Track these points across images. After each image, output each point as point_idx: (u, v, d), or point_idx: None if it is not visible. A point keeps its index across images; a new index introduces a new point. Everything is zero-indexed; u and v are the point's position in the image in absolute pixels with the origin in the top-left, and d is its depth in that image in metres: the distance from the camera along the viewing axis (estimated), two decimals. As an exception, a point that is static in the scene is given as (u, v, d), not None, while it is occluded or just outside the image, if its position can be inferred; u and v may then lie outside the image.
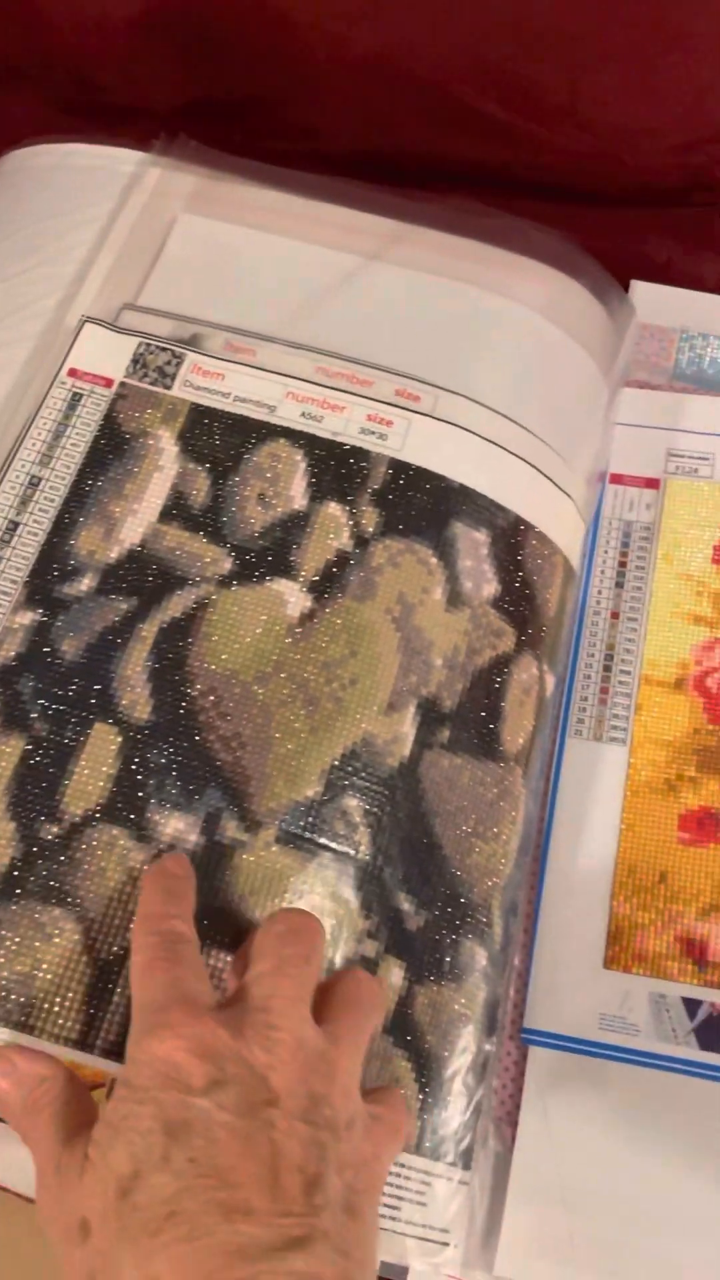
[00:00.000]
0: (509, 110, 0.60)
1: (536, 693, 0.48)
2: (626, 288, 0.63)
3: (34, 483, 0.48)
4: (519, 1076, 0.46)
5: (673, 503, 0.57)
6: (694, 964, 0.47)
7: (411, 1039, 0.41)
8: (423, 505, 0.48)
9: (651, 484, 0.58)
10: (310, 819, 0.42)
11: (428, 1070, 0.41)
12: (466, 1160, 0.42)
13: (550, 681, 0.50)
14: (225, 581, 0.46)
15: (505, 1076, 0.46)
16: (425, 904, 0.42)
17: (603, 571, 0.56)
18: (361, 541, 0.48)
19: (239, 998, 0.35)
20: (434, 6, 0.53)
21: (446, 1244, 0.41)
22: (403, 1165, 0.40)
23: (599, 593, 0.56)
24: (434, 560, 0.47)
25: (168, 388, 0.51)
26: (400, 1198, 0.40)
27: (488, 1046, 0.44)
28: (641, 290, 0.64)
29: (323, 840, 0.42)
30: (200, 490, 0.48)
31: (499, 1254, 0.43)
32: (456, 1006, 0.42)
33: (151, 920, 0.36)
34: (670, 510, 0.57)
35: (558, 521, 0.51)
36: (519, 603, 0.48)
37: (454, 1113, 0.42)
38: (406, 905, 0.42)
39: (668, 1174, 0.44)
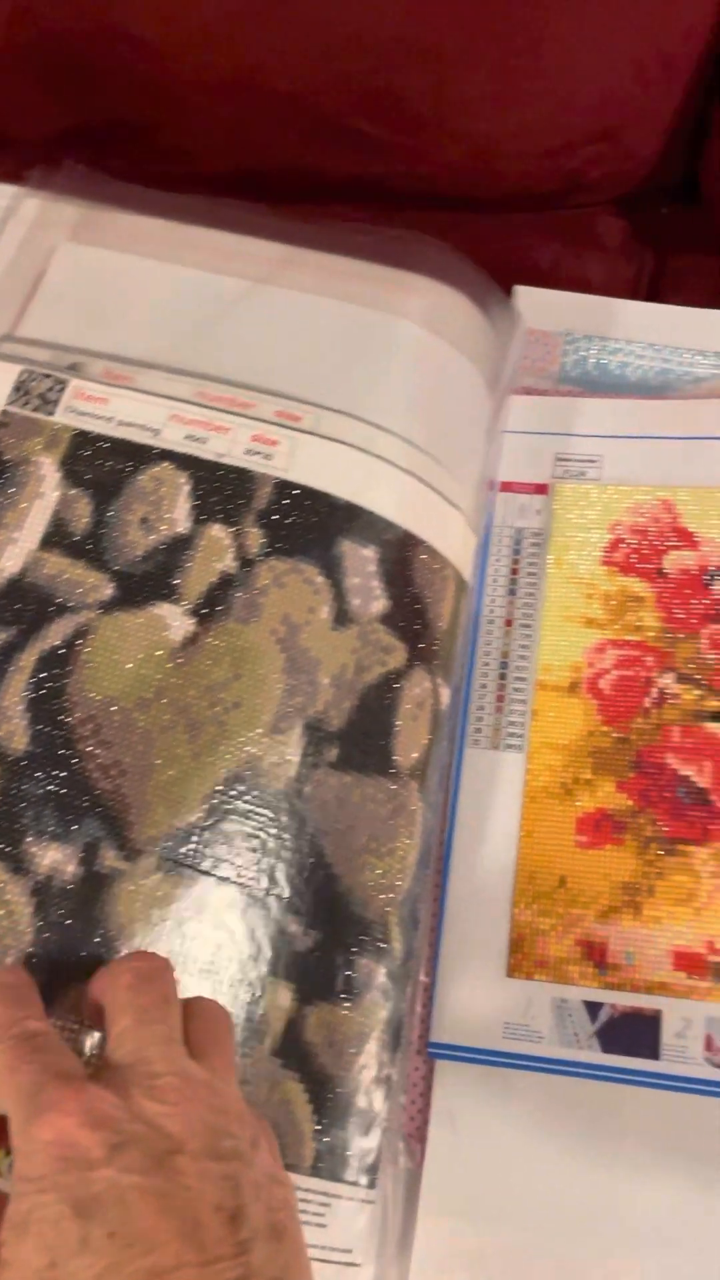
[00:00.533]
0: (376, 124, 0.60)
1: (431, 706, 0.48)
2: (509, 293, 0.64)
3: None
4: (427, 1091, 0.46)
5: (562, 507, 0.58)
6: (595, 967, 0.47)
7: (302, 1060, 0.40)
8: (308, 524, 0.48)
9: (540, 489, 0.59)
10: (192, 845, 0.41)
11: (322, 1090, 0.41)
12: (371, 1178, 0.41)
13: (445, 694, 0.50)
14: (106, 607, 0.46)
15: (414, 1092, 0.46)
16: (315, 924, 0.42)
17: (495, 580, 0.57)
18: (246, 563, 0.48)
19: (109, 1061, 0.34)
20: (288, 25, 0.53)
21: (354, 1264, 0.41)
22: (299, 1188, 0.39)
23: (492, 601, 0.56)
24: (320, 579, 0.47)
25: (50, 414, 0.50)
26: (300, 1221, 0.39)
27: (391, 1063, 0.44)
28: (525, 295, 0.64)
29: (205, 866, 0.41)
30: (82, 516, 0.48)
31: (412, 1272, 0.43)
32: (353, 1025, 0.42)
33: (2, 1029, 0.35)
34: (560, 514, 0.58)
35: (446, 534, 0.51)
36: (409, 618, 0.48)
37: (353, 1131, 0.41)
38: (295, 927, 0.42)
39: (575, 1180, 0.44)
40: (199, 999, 0.38)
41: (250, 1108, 0.36)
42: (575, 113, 0.61)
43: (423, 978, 0.48)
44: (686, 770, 0.51)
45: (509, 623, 0.55)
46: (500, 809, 0.51)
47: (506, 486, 0.59)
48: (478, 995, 0.47)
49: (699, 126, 0.65)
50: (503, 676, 0.54)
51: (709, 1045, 0.45)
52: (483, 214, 0.68)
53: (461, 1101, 0.45)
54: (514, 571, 0.57)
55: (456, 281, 0.56)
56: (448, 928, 0.49)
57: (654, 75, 0.60)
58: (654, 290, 0.69)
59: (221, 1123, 0.33)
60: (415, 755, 0.47)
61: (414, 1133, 0.46)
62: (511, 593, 0.56)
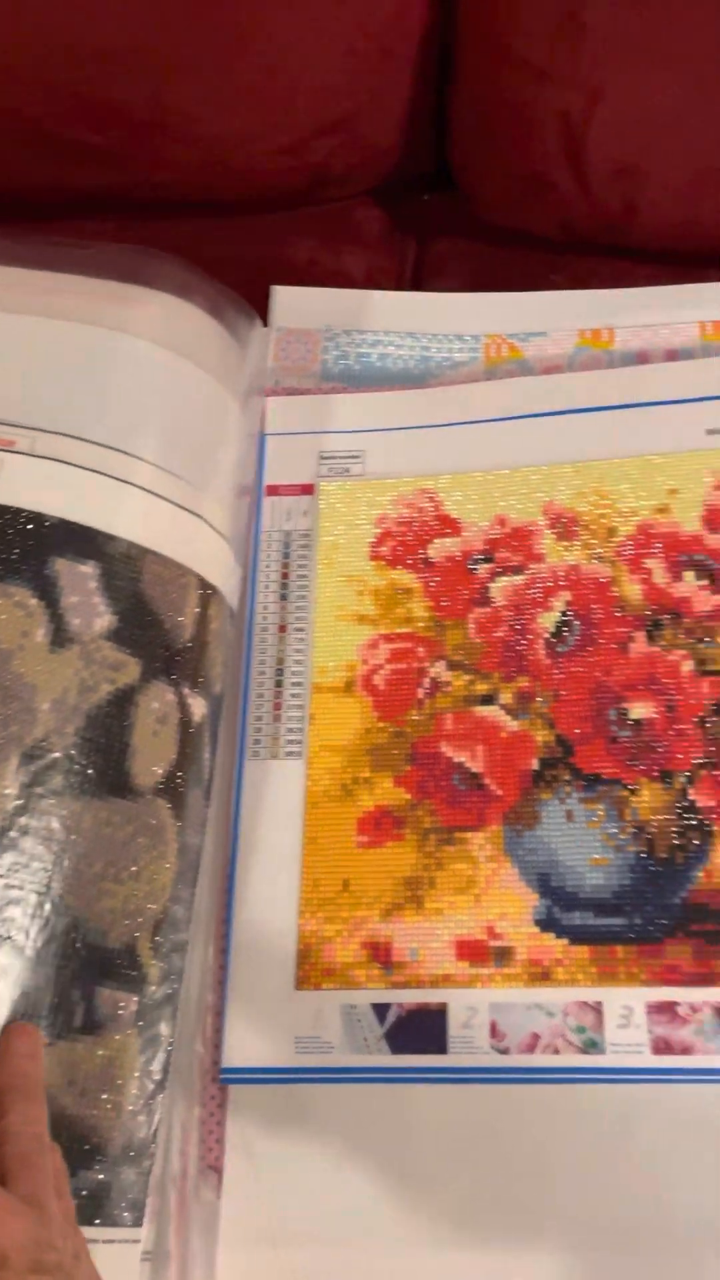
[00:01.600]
0: (101, 134, 0.59)
1: (177, 720, 0.47)
2: (268, 294, 0.63)
3: None
4: (225, 1119, 0.45)
5: (328, 505, 0.57)
6: (381, 968, 0.46)
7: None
8: (17, 547, 0.46)
9: (306, 490, 0.58)
10: None
11: (68, 1132, 0.39)
12: (137, 1216, 0.40)
13: (198, 705, 0.49)
14: None
15: (211, 1122, 0.45)
16: (45, 960, 0.41)
17: (266, 586, 0.56)
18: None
19: None
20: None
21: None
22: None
23: (265, 608, 0.55)
24: (33, 601, 0.45)
25: None
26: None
27: (155, 1095, 0.42)
28: (282, 295, 0.63)
29: None
30: None
31: (218, 1306, 0.42)
32: (97, 1061, 0.41)
33: None
34: (326, 513, 0.57)
35: (186, 542, 0.50)
36: (141, 631, 0.47)
37: (109, 1171, 0.40)
38: (19, 964, 0.40)
39: (371, 1187, 0.43)
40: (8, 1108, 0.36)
41: (69, 1220, 0.35)
42: (299, 107, 0.60)
43: (210, 999, 0.46)
44: (460, 757, 0.50)
45: (283, 628, 0.55)
46: (283, 819, 0.50)
47: (273, 490, 0.58)
48: (268, 1013, 0.46)
49: (440, 114, 0.65)
50: (279, 684, 0.53)
51: (494, 1032, 0.45)
52: (233, 216, 0.67)
53: (257, 1125, 0.44)
54: (284, 576, 0.56)
55: (187, 292, 0.55)
56: (235, 947, 0.48)
57: (372, 63, 0.59)
58: (418, 279, 0.68)
59: (44, 1235, 0.33)
60: (159, 771, 0.46)
61: (214, 1163, 0.45)
62: (283, 597, 0.55)
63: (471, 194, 0.67)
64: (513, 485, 0.56)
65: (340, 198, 0.69)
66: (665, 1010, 0.44)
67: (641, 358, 0.60)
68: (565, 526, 0.55)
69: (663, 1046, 0.43)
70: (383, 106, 0.62)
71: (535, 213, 0.65)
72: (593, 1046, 0.44)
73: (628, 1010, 0.44)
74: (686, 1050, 0.43)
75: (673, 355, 0.60)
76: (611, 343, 0.60)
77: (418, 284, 0.68)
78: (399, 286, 0.68)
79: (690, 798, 0.48)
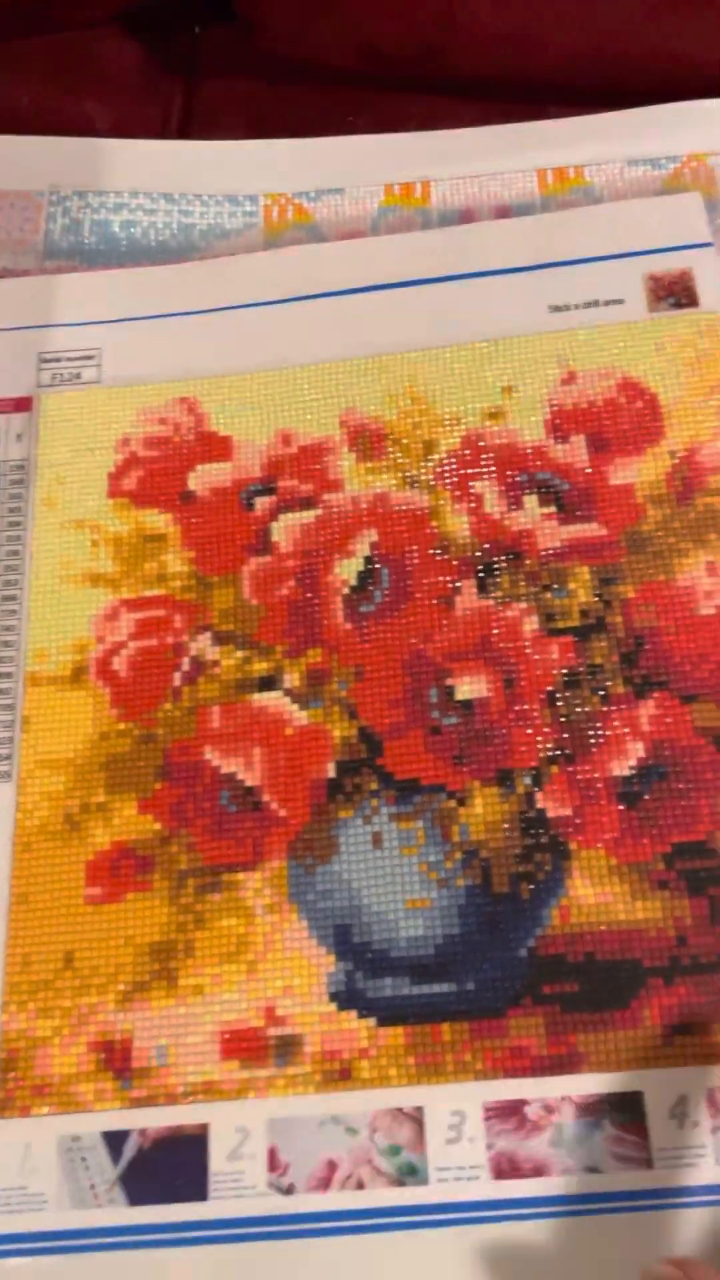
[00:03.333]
0: None
1: None
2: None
3: None
4: None
5: (50, 425, 0.42)
6: (115, 1079, 0.33)
7: None
8: None
9: (22, 405, 0.43)
10: None
11: None
12: None
13: None
14: None
15: None
16: None
17: (-34, 539, 0.41)
18: None
19: None
20: None
21: None
22: None
23: (-36, 570, 0.40)
24: None
25: None
26: None
27: None
28: (-7, 147, 0.47)
29: None
30: None
31: None
32: None
33: None
34: (48, 437, 0.42)
35: None
36: None
37: None
38: None
39: None
40: None
41: None
42: None
43: None
44: (231, 766, 0.36)
45: (-10, 598, 0.40)
46: (-17, 871, 0.36)
47: (-23, 409, 0.43)
48: (-44, 1157, 0.32)
49: None
50: (-18, 676, 0.39)
51: (273, 1163, 0.32)
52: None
53: (-64, 1326, 0.31)
54: (-7, 525, 0.41)
55: None
56: None
57: None
58: (185, 129, 0.53)
59: None
60: None
61: None
62: (-9, 555, 0.40)
63: (252, 19, 0.52)
64: (300, 389, 0.42)
65: (78, 23, 0.53)
66: (510, 1114, 0.31)
67: (466, 216, 0.46)
68: (369, 442, 0.41)
69: (506, 1167, 0.31)
70: None
71: (328, 36, 0.50)
72: (411, 1174, 0.31)
73: (458, 1117, 0.31)
74: (540, 1171, 0.31)
75: (504, 211, 0.46)
76: (427, 199, 0.46)
77: (184, 135, 0.52)
78: (163, 137, 0.52)
79: (539, 806, 0.35)
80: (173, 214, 0.47)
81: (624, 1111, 0.31)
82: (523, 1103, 0.31)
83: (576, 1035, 0.32)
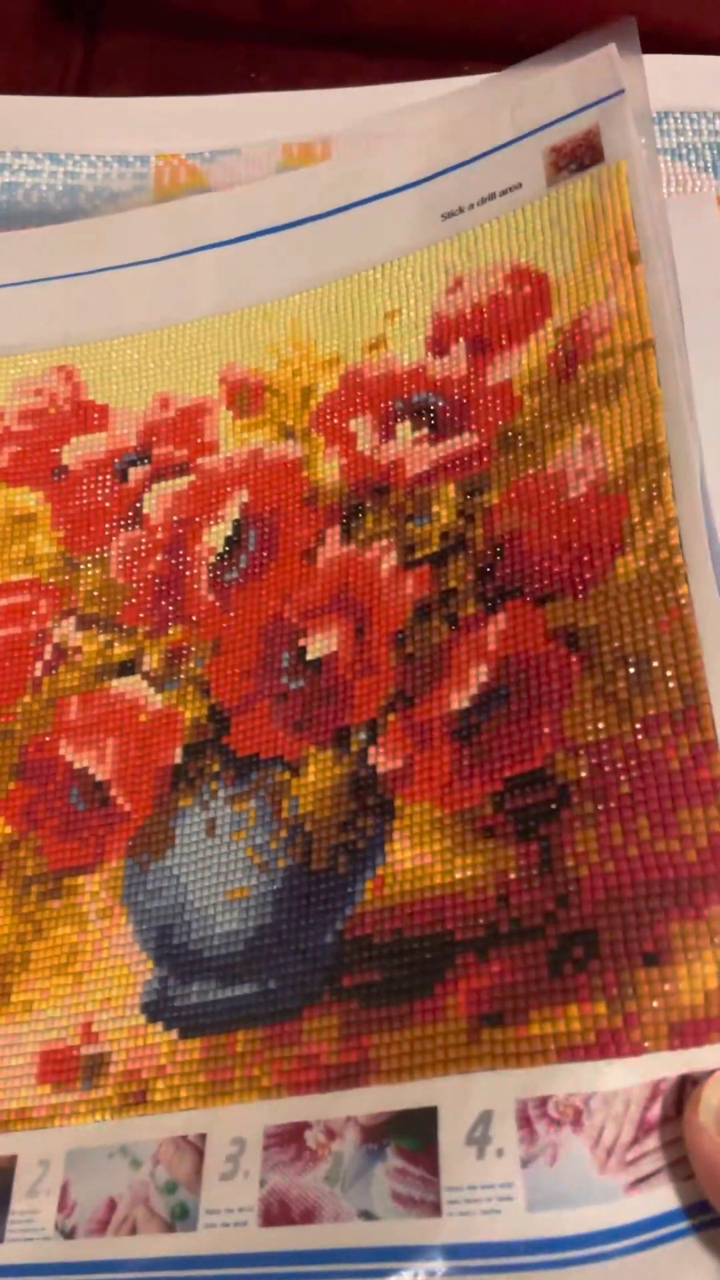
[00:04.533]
0: None
1: None
2: None
3: None
4: None
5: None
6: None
7: None
8: None
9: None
10: None
11: None
12: None
13: None
14: None
15: None
16: None
17: None
18: None
19: None
20: None
21: None
22: None
23: None
24: None
25: None
26: None
27: None
28: None
29: None
30: None
31: None
32: None
33: None
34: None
35: None
36: None
37: None
38: None
39: None
40: None
41: None
42: None
43: None
44: (83, 760, 0.34)
45: None
46: None
47: None
48: None
49: None
50: None
51: (63, 1201, 0.27)
52: None
53: None
54: None
55: None
56: None
57: None
58: (84, 86, 0.51)
59: None
60: None
61: None
62: None
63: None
64: (180, 347, 0.39)
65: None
66: (290, 1140, 0.25)
67: (366, 170, 0.42)
68: (248, 397, 0.38)
69: (276, 1212, 0.24)
70: None
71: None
72: (182, 1218, 0.25)
73: (237, 1147, 0.25)
74: (309, 1216, 0.23)
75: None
76: (328, 159, 0.43)
77: (83, 91, 0.51)
78: (59, 93, 0.51)
79: (370, 763, 0.29)
80: (58, 175, 0.46)
81: (411, 1135, 0.23)
82: (304, 1126, 0.24)
83: (371, 1037, 0.25)
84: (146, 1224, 0.25)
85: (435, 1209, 0.22)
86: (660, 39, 0.40)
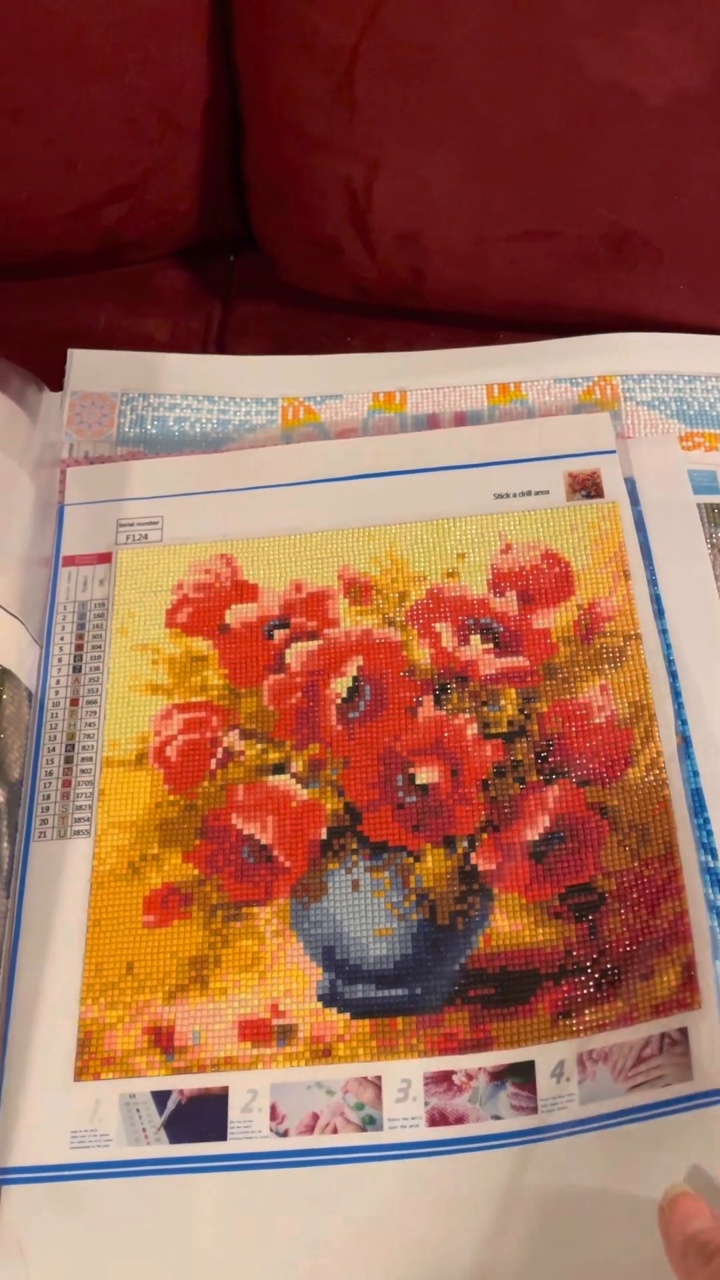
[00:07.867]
0: None
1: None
2: (65, 358, 0.62)
3: None
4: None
5: (124, 573, 0.56)
6: (162, 1053, 0.46)
7: None
8: None
9: (104, 558, 0.57)
10: None
11: None
12: None
13: (-4, 794, 0.47)
14: None
15: (-12, 1225, 0.44)
16: None
17: (60, 660, 0.55)
18: None
19: None
20: None
21: None
22: None
23: (57, 682, 0.54)
24: None
25: None
26: None
27: None
28: (79, 359, 0.63)
29: None
30: None
31: None
32: None
33: None
34: (123, 581, 0.56)
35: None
36: None
37: None
38: None
39: (150, 1284, 0.42)
40: None
41: None
42: (83, 175, 0.60)
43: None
44: (250, 829, 0.50)
45: (75, 701, 0.54)
46: (68, 902, 0.49)
47: (70, 561, 0.57)
48: (45, 1107, 0.45)
49: (239, 178, 0.66)
50: (69, 760, 0.52)
51: (274, 1114, 0.44)
52: (30, 280, 0.66)
53: (30, 1227, 0.43)
54: (79, 647, 0.55)
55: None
56: (12, 1040, 0.46)
57: (155, 131, 0.59)
58: (223, 341, 0.68)
59: None
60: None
61: (-12, 1268, 0.43)
62: (76, 670, 0.54)
63: (272, 256, 0.68)
64: (309, 549, 0.56)
65: (141, 260, 0.69)
66: (442, 1080, 0.44)
67: (432, 420, 0.61)
68: (359, 591, 0.55)
69: (437, 1118, 0.43)
70: (171, 173, 0.62)
71: (329, 276, 0.66)
72: (371, 1123, 0.44)
73: (406, 1083, 0.44)
74: (460, 1119, 0.43)
75: (461, 417, 0.61)
76: (404, 405, 0.61)
77: (222, 347, 0.68)
78: (203, 349, 0.67)
79: (472, 862, 0.48)
80: (212, 412, 0.62)
81: (520, 1075, 0.43)
82: (451, 1073, 0.44)
83: (491, 1024, 0.45)
84: (344, 1127, 0.43)
85: (534, 1110, 0.43)
86: (645, 321, 0.62)
